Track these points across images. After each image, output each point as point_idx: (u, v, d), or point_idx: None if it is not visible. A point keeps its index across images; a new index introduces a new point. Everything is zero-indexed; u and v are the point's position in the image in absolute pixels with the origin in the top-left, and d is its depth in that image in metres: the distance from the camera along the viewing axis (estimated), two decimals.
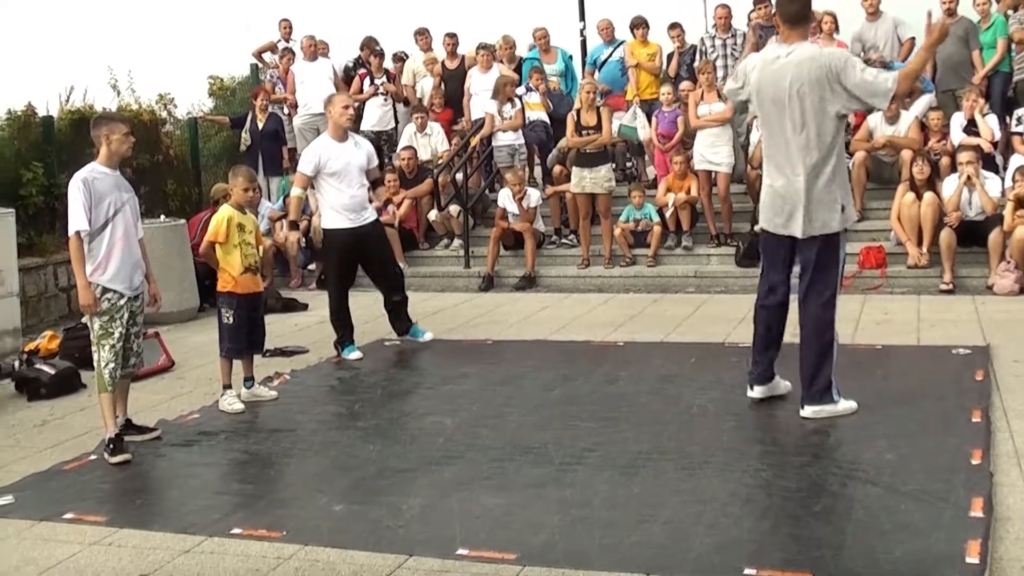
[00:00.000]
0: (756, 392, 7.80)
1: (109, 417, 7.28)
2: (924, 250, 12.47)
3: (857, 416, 7.30)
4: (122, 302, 7.31)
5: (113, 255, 7.28)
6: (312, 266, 14.59)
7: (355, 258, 10.29)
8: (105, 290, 7.24)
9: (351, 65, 17.32)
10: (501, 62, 16.34)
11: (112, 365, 7.29)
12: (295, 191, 10.12)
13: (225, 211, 8.57)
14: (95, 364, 7.37)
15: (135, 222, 7.51)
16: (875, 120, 13.72)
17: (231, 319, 8.51)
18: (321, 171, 9.87)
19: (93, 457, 7.27)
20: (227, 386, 8.51)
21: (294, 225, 10.48)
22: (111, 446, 7.16)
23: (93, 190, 7.21)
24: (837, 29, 14.77)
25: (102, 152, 7.37)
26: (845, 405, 7.38)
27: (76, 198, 7.17)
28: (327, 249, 10.33)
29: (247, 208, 8.78)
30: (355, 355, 10.03)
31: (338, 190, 9.93)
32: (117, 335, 7.30)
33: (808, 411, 7.31)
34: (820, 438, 6.89)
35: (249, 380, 8.66)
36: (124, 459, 7.10)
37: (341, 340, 10.15)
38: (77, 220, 7.16)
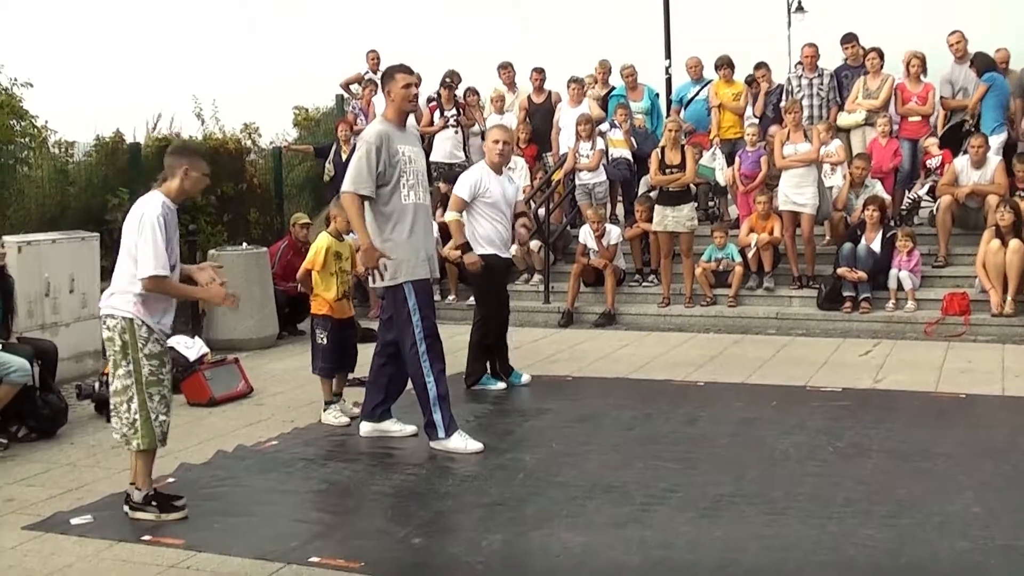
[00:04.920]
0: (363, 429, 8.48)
1: (148, 474, 6.61)
2: (1010, 298, 12.25)
3: (943, 467, 7.19)
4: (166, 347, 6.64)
5: (171, 298, 6.61)
6: None
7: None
8: (152, 330, 6.42)
9: (434, 96, 17.30)
10: (593, 88, 16.34)
11: (163, 418, 6.49)
12: (452, 215, 9.78)
13: (324, 240, 8.88)
14: (133, 416, 6.42)
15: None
16: (961, 164, 13.54)
17: (325, 340, 8.93)
18: (478, 198, 9.79)
19: (171, 480, 7.28)
20: (329, 402, 8.95)
21: (467, 247, 9.70)
22: (154, 503, 6.55)
23: (166, 228, 6.36)
24: (925, 72, 14.68)
25: (173, 185, 6.54)
26: (457, 444, 7.88)
27: (154, 237, 6.28)
28: (487, 275, 9.91)
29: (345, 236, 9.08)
30: (501, 385, 10.15)
31: (491, 220, 9.85)
32: (167, 382, 6.53)
33: (430, 443, 7.99)
34: (905, 488, 6.76)
35: (338, 396, 9.03)
36: (182, 516, 6.56)
37: (477, 374, 10.17)
38: (156, 263, 6.26)
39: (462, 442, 7.86)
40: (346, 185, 7.80)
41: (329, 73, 21.93)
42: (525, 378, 10.32)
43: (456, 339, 10.31)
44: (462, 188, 9.83)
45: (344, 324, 9.07)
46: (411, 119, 9.18)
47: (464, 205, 9.77)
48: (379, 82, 8.32)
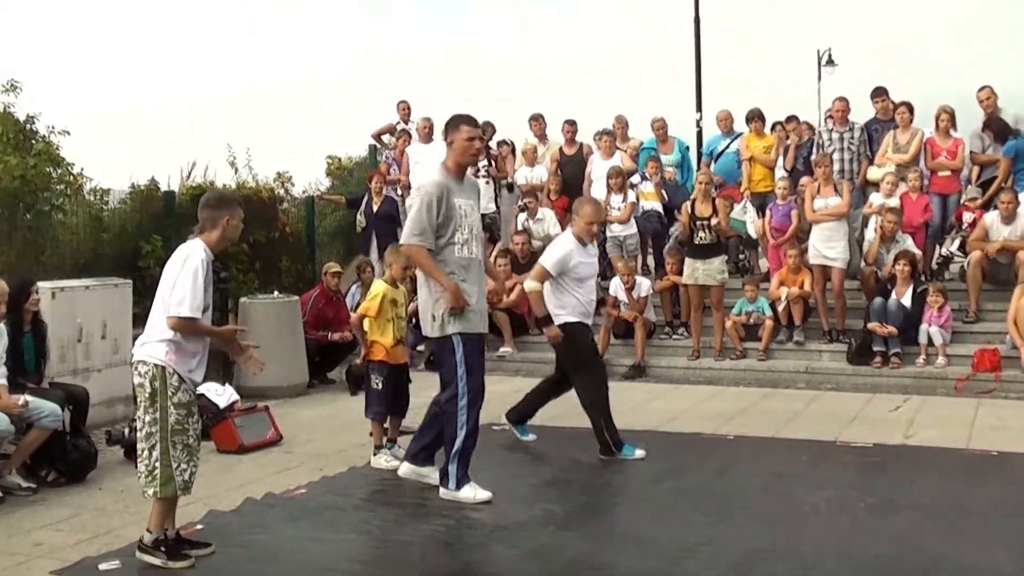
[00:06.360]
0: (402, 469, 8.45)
1: (163, 519, 6.60)
2: None
3: (976, 524, 7.14)
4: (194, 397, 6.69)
5: (205, 345, 6.71)
6: (421, 347, 14.63)
7: None
8: (183, 379, 6.50)
9: None
10: (618, 148, 16.36)
11: (185, 467, 6.51)
12: (534, 284, 9.30)
13: (380, 287, 9.05)
14: (153, 464, 6.48)
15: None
16: (991, 219, 13.52)
17: (380, 385, 9.09)
18: (567, 272, 9.32)
19: (200, 527, 7.29)
20: (379, 446, 9.08)
21: (547, 320, 9.33)
22: (163, 549, 6.53)
23: (206, 275, 6.48)
24: (954, 126, 14.64)
25: (215, 235, 6.66)
26: (467, 494, 7.85)
27: (195, 279, 6.38)
28: (576, 343, 9.43)
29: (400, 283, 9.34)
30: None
31: (578, 294, 9.38)
32: (192, 432, 6.58)
33: (440, 491, 7.97)
34: (937, 545, 6.72)
35: (392, 442, 9.15)
36: (189, 564, 6.53)
37: (616, 444, 9.31)
38: (192, 305, 6.35)
39: (471, 492, 7.85)
40: (409, 238, 7.75)
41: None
42: (639, 453, 9.31)
43: (493, 388, 10.29)
44: (551, 261, 9.32)
45: (399, 369, 9.20)
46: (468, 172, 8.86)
47: (548, 277, 9.32)
48: (443, 128, 8.02)
